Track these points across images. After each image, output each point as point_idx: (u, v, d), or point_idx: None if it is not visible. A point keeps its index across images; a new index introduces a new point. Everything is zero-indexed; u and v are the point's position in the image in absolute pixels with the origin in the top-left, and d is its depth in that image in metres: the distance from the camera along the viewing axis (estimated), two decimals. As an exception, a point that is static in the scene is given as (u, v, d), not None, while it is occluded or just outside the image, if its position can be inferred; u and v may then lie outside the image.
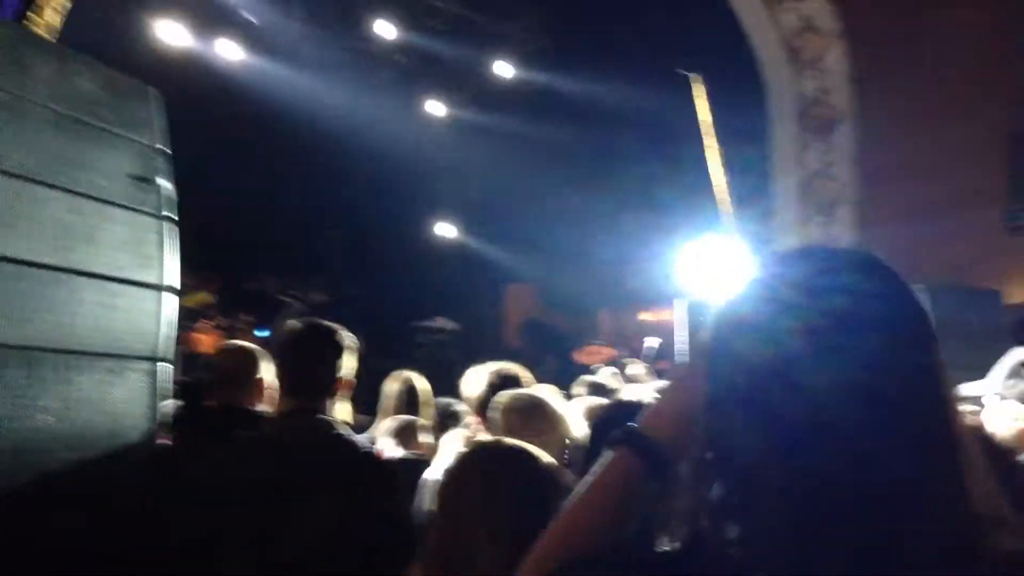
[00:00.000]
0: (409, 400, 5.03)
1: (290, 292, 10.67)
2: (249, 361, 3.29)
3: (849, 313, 1.09)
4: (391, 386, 5.11)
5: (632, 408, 2.47)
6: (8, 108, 3.31)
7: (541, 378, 5.54)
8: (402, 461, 3.86)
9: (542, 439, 2.43)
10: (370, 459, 2.72)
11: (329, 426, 2.67)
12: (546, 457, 2.11)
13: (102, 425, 3.26)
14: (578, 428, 2.86)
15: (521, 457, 2.09)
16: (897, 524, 1.02)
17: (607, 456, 1.24)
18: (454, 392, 5.45)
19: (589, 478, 1.24)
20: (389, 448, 4.26)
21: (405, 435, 4.31)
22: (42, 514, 2.97)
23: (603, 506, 1.22)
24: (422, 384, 5.12)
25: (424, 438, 4.30)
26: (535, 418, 2.78)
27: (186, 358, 8.60)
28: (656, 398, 1.30)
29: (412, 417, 4.61)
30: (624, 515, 1.21)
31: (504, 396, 3.02)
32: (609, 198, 11.30)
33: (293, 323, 2.91)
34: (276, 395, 3.31)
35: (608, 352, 11.47)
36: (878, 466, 1.02)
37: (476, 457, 2.10)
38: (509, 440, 2.19)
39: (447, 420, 4.55)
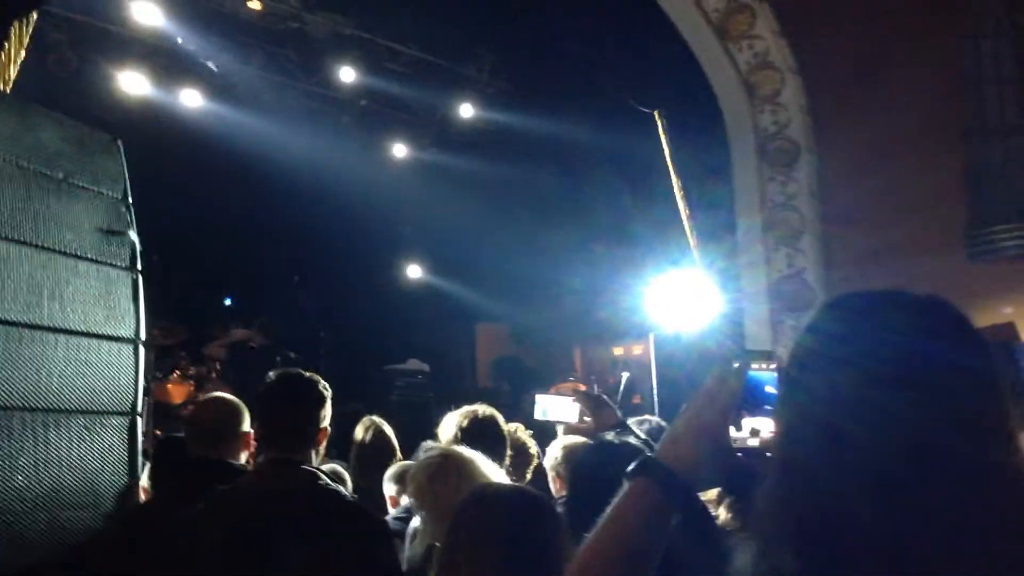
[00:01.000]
0: (380, 445, 4.96)
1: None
2: (233, 414, 3.24)
3: (812, 352, 1.12)
4: (360, 433, 5.04)
5: (614, 448, 2.47)
6: (-28, 164, 3.28)
7: (516, 416, 5.51)
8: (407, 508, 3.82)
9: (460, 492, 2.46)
10: (356, 510, 2.68)
11: (314, 477, 2.64)
12: (544, 499, 2.10)
13: (78, 483, 3.20)
14: (490, 470, 2.83)
15: (515, 503, 2.08)
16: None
17: (625, 488, 1.24)
18: (429, 435, 5.42)
19: (609, 511, 1.23)
20: (391, 492, 4.21)
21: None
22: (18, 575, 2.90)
23: (625, 539, 1.21)
24: (390, 430, 5.07)
25: None
26: (444, 474, 2.77)
27: (157, 410, 8.48)
28: (672, 427, 1.30)
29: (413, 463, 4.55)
30: (647, 547, 1.20)
31: (415, 464, 3.03)
32: (579, 232, 11.35)
33: (277, 374, 2.88)
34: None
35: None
36: (834, 501, 1.03)
37: (468, 505, 2.09)
38: (508, 484, 2.18)
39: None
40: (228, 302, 13.16)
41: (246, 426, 3.22)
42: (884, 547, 1.00)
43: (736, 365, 1.31)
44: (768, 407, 1.30)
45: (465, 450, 2.90)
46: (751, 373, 1.32)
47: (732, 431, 1.30)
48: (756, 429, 1.30)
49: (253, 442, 3.23)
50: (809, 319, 1.17)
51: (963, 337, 1.10)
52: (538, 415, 3.04)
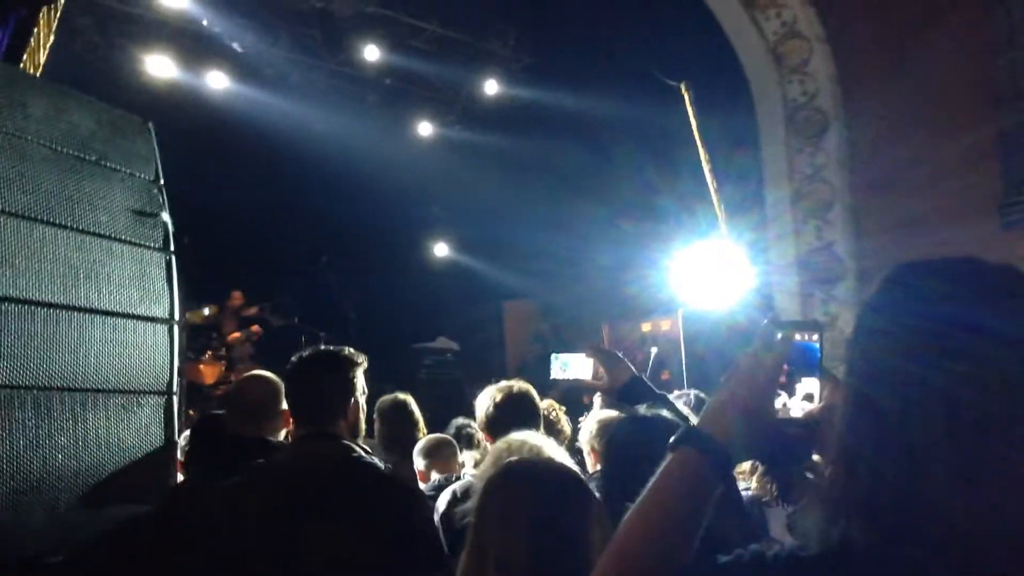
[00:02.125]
0: (406, 421, 4.93)
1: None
2: (274, 391, 3.27)
3: (866, 327, 1.14)
4: (386, 408, 5.03)
5: (648, 422, 2.47)
6: (6, 148, 3.32)
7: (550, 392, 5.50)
8: (436, 486, 3.84)
9: None
10: (390, 481, 2.71)
11: (347, 449, 2.66)
12: (574, 474, 2.09)
13: (116, 461, 3.26)
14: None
15: (544, 477, 2.07)
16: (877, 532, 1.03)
17: (669, 459, 1.24)
18: (459, 413, 5.42)
19: (652, 482, 1.22)
20: (421, 467, 4.23)
21: (440, 454, 4.27)
22: (61, 553, 2.95)
23: (669, 510, 1.20)
24: (415, 405, 5.06)
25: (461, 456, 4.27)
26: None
27: (190, 390, 8.58)
28: (712, 401, 1.29)
29: (446, 436, 4.56)
30: (691, 518, 1.20)
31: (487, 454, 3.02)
32: (606, 207, 11.29)
33: (305, 350, 2.90)
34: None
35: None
36: (898, 476, 1.03)
37: (497, 479, 2.09)
38: (539, 459, 2.18)
39: (462, 442, 4.53)
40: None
41: (286, 404, 3.25)
42: (951, 523, 1.00)
43: (780, 336, 1.30)
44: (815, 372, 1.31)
45: (533, 436, 2.89)
46: (803, 342, 1.32)
47: (785, 400, 1.30)
48: (810, 394, 1.30)
49: (290, 419, 3.26)
50: (870, 295, 1.18)
51: (999, 302, 1.08)
52: (556, 374, 3.01)
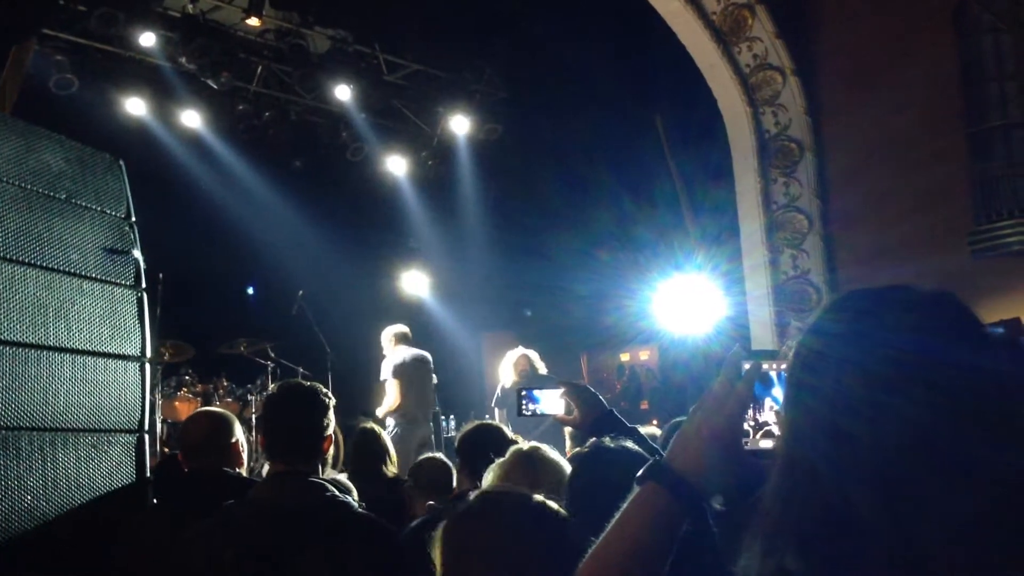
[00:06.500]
0: (374, 450, 4.94)
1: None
2: (223, 426, 3.24)
3: (816, 352, 1.11)
4: (356, 438, 5.06)
5: (612, 453, 2.45)
6: (-25, 187, 3.30)
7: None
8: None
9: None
10: (366, 521, 2.68)
11: (322, 488, 2.64)
12: (551, 506, 2.05)
13: (87, 501, 3.21)
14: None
15: (519, 518, 2.02)
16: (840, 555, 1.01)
17: (634, 493, 1.22)
18: (436, 446, 5.42)
19: (617, 516, 1.21)
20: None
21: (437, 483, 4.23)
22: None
23: (634, 545, 1.19)
24: (386, 435, 5.09)
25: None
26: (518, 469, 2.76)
27: (170, 428, 8.52)
28: (680, 432, 1.27)
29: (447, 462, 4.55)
30: (656, 553, 1.18)
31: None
32: (583, 238, 11.32)
33: (278, 385, 2.88)
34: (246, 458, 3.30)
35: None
36: (837, 501, 1.02)
37: (468, 509, 2.05)
38: (513, 491, 2.14)
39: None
40: (251, 291, 13.37)
41: (235, 437, 3.22)
42: (886, 546, 0.99)
43: (746, 367, 1.29)
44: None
45: (540, 446, 2.89)
46: (771, 372, 1.31)
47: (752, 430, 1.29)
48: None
49: (241, 453, 3.24)
50: (813, 318, 1.17)
51: (966, 333, 1.08)
52: (524, 410, 2.94)
